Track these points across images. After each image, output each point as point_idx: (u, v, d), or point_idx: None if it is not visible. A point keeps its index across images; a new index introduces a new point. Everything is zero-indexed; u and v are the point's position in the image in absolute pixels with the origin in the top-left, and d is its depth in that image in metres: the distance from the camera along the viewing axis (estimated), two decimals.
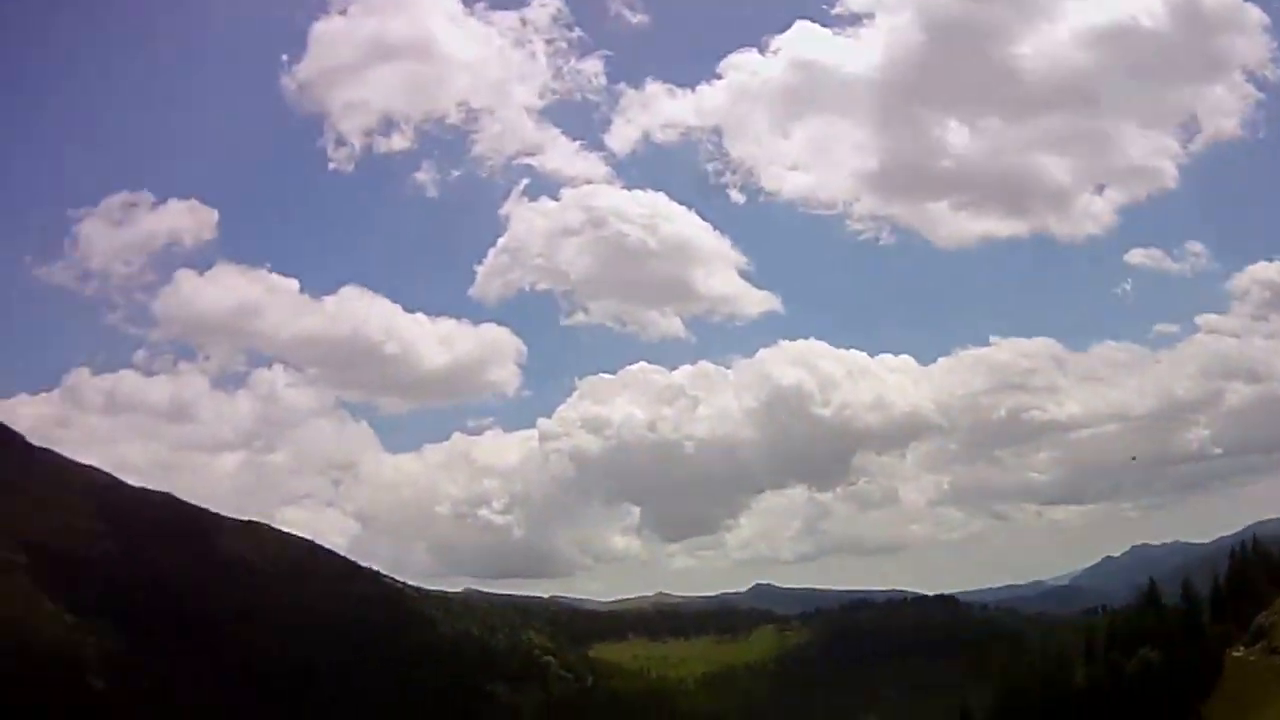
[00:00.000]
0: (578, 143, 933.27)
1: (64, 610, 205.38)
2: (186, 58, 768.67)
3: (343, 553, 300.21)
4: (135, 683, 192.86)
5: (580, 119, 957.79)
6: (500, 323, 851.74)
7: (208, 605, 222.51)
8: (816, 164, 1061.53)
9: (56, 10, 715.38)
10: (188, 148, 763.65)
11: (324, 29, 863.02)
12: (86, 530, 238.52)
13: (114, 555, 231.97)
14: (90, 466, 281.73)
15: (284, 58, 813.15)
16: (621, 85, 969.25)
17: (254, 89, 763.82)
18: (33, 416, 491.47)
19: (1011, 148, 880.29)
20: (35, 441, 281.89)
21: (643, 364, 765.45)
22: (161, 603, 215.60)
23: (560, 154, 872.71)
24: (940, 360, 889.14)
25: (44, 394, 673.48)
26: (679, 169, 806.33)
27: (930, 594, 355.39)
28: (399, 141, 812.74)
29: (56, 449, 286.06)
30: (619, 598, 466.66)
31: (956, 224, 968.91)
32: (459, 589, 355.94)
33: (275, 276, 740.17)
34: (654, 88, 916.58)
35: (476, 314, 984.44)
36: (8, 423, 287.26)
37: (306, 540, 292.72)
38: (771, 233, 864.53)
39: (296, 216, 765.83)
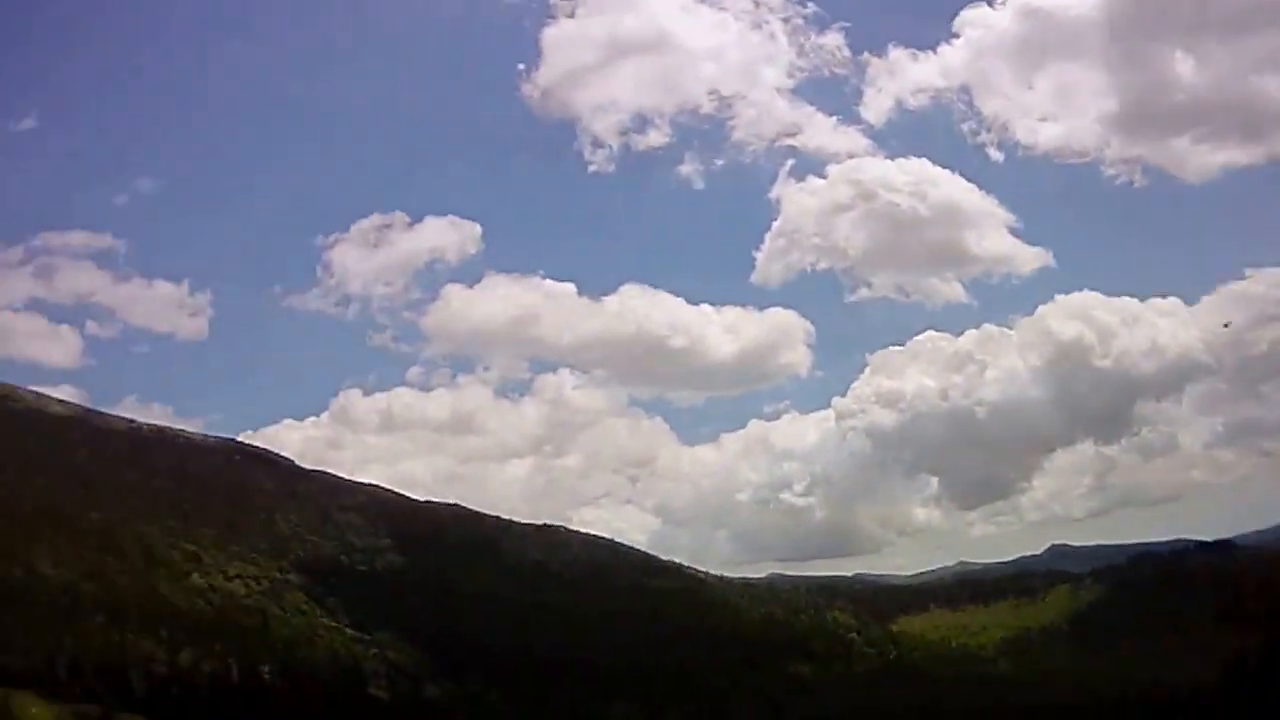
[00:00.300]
0: (834, 118, 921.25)
1: (345, 625, 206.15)
2: (421, 80, 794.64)
3: (643, 549, 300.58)
4: (419, 694, 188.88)
5: (832, 93, 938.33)
6: (786, 306, 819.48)
7: (498, 611, 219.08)
8: (1062, 112, 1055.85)
9: (290, 45, 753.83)
10: (438, 167, 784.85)
11: (555, 34, 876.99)
12: (367, 546, 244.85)
13: (398, 568, 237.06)
14: (370, 484, 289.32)
15: (520, 67, 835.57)
16: (865, 55, 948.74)
17: (495, 101, 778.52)
18: (301, 441, 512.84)
19: (1236, 72, 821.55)
20: (306, 465, 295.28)
21: (930, 332, 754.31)
22: (448, 612, 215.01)
23: (819, 131, 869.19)
24: (1203, 299, 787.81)
25: (311, 419, 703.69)
26: (935, 132, 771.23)
27: (1209, 539, 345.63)
28: (656, 137, 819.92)
29: (331, 470, 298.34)
30: (921, 570, 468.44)
31: (1199, 157, 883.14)
32: (763, 574, 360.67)
33: (549, 282, 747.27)
34: (896, 53, 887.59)
35: (760, 299, 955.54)
36: (275, 448, 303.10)
37: (605, 539, 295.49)
38: (1033, 187, 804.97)
39: (563, 221, 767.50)
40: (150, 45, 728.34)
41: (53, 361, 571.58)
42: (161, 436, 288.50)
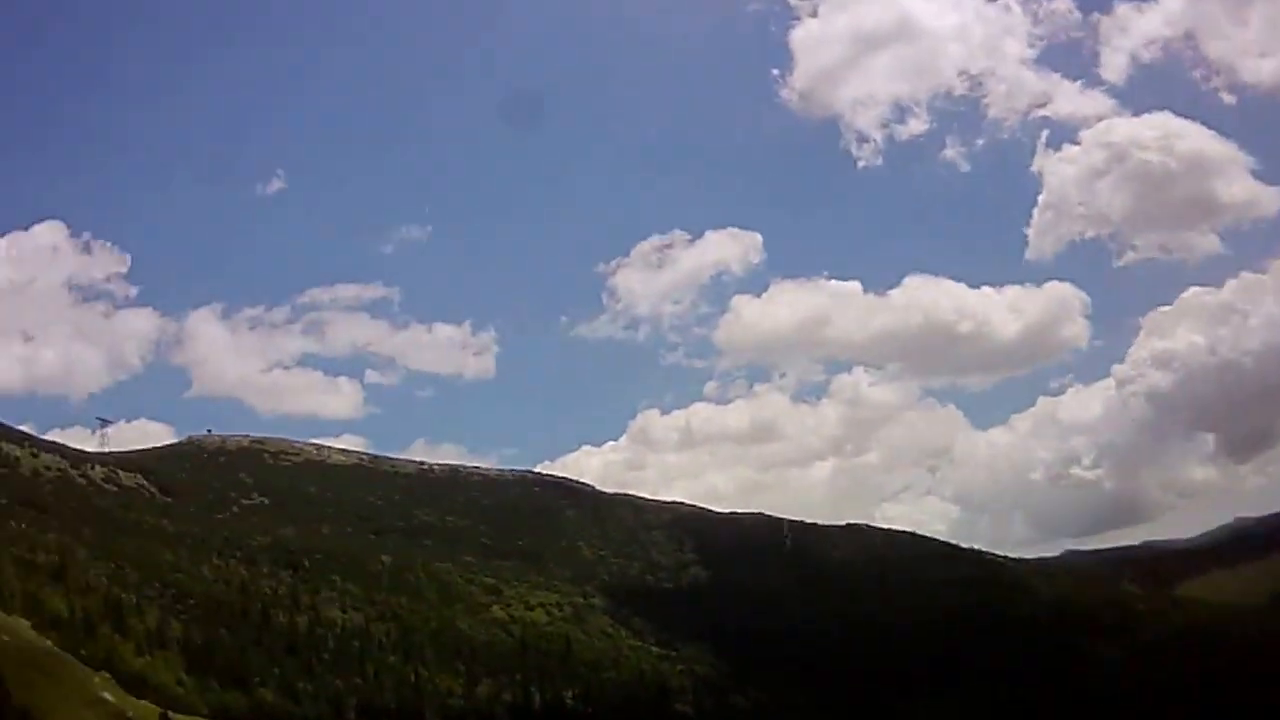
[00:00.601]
0: (1078, 82, 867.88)
1: (650, 644, 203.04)
2: (681, 96, 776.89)
3: (944, 538, 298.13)
4: (726, 704, 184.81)
5: (1071, 58, 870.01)
6: (1060, 279, 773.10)
7: (804, 614, 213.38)
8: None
9: (544, 80, 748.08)
10: (710, 181, 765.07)
11: (803, 35, 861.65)
12: (672, 563, 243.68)
13: (703, 581, 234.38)
14: (674, 502, 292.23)
15: (775, 72, 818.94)
16: (1094, 15, 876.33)
17: (756, 109, 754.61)
18: (601, 466, 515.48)
19: None
20: (607, 489, 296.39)
21: (1193, 288, 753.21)
22: (755, 620, 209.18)
23: (1066, 97, 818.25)
24: None
25: (610, 443, 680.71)
26: (1170, 83, 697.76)
27: None
28: (916, 125, 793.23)
29: (633, 492, 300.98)
30: (1201, 530, 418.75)
31: None
32: (1057, 552, 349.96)
33: (835, 283, 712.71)
34: (1122, 8, 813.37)
35: (1036, 275, 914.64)
36: (575, 476, 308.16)
37: (907, 533, 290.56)
38: (1267, 127, 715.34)
39: (839, 220, 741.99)
40: (389, 96, 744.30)
41: (334, 414, 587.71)
42: (454, 475, 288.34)
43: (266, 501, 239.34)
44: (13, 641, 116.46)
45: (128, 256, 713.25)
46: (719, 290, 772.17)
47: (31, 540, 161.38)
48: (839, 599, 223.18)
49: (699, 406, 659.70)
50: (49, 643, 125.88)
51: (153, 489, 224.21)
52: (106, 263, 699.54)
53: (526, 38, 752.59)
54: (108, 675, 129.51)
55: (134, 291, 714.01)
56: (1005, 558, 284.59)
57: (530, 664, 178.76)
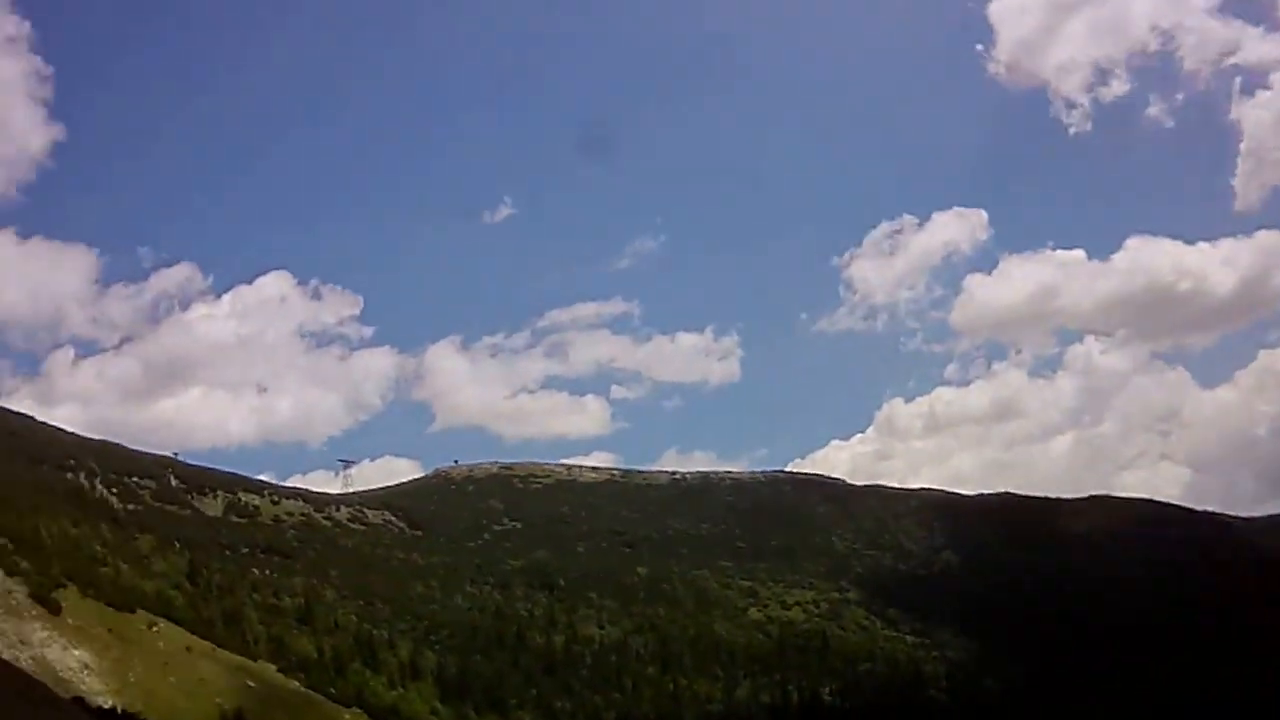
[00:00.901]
0: (1260, 26, 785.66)
1: (905, 633, 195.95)
2: (890, 77, 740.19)
3: (1178, 502, 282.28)
4: (978, 687, 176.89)
5: (1250, 4, 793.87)
6: (1269, 227, 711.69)
7: (1051, 591, 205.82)
8: None
9: (749, 86, 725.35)
10: (931, 165, 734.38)
11: (1000, 7, 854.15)
12: (923, 550, 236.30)
13: (955, 566, 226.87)
14: (922, 489, 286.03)
15: (979, 47, 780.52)
16: None
17: (967, 86, 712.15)
18: (850, 459, 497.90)
19: None
20: (857, 482, 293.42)
21: None
22: (1005, 601, 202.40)
23: (1252, 43, 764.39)
24: None
25: (857, 436, 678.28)
26: None
27: None
28: (1118, 86, 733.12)
29: (882, 482, 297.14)
30: None
31: None
32: None
33: (1059, 253, 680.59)
34: None
35: (1246, 226, 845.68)
36: (825, 472, 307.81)
37: (1144, 500, 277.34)
38: None
39: (1059, 188, 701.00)
40: (604, 108, 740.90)
41: (582, 432, 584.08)
42: (706, 481, 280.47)
43: (519, 525, 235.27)
44: (258, 686, 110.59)
45: (360, 298, 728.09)
46: (951, 271, 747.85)
47: (275, 585, 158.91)
48: (1084, 573, 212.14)
49: (941, 390, 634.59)
50: (296, 684, 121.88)
51: (401, 524, 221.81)
52: (338, 306, 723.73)
53: (732, 37, 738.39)
54: (359, 711, 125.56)
55: (369, 332, 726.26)
56: (1235, 517, 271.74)
57: (789, 663, 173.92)
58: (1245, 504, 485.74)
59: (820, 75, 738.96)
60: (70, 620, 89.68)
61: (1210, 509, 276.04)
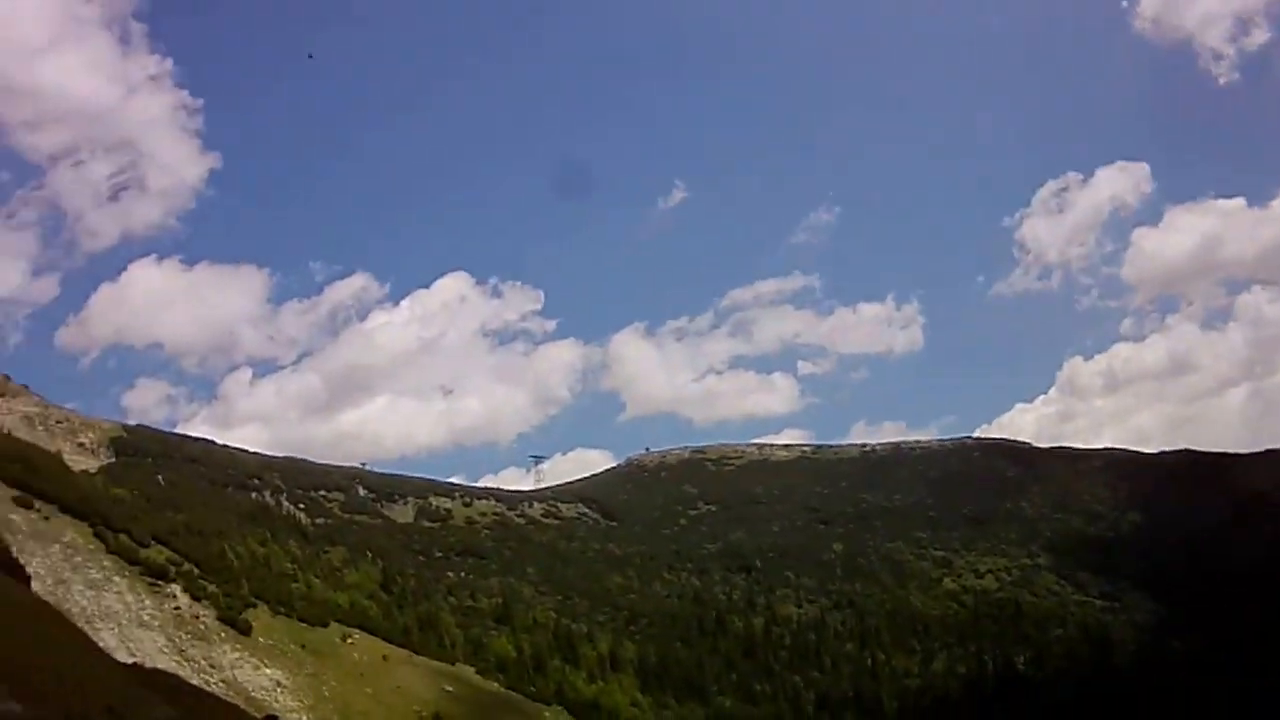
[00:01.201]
0: None
1: (1094, 597, 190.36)
2: (1040, 40, 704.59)
3: None
4: (1164, 649, 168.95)
5: None
6: None
7: (1234, 549, 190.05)
8: None
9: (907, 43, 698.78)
10: (1086, 123, 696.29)
11: None
12: (1109, 512, 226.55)
13: (1140, 526, 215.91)
14: (1104, 449, 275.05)
15: (1123, 3, 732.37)
16: None
17: (1114, 41, 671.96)
18: (1034, 422, 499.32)
19: None
20: (1042, 444, 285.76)
21: None
22: (1188, 561, 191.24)
23: None
24: None
25: (1040, 398, 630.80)
26: None
27: None
28: (1258, 35, 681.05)
29: (1067, 443, 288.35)
30: None
31: None
32: None
33: (1220, 202, 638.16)
34: None
35: None
36: (1010, 435, 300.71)
37: None
38: None
39: (1216, 140, 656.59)
40: (770, 87, 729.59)
41: (771, 411, 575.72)
42: (896, 452, 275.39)
43: (713, 509, 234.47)
44: (457, 690, 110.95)
45: (540, 293, 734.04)
46: (1118, 225, 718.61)
47: (471, 586, 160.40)
48: (1265, 529, 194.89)
49: (1119, 347, 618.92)
50: (495, 685, 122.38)
51: (595, 515, 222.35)
52: (519, 302, 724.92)
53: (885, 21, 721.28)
54: (560, 708, 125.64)
55: (551, 325, 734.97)
56: None
57: (983, 632, 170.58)
58: None
59: (974, 43, 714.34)
60: (261, 639, 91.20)
61: None
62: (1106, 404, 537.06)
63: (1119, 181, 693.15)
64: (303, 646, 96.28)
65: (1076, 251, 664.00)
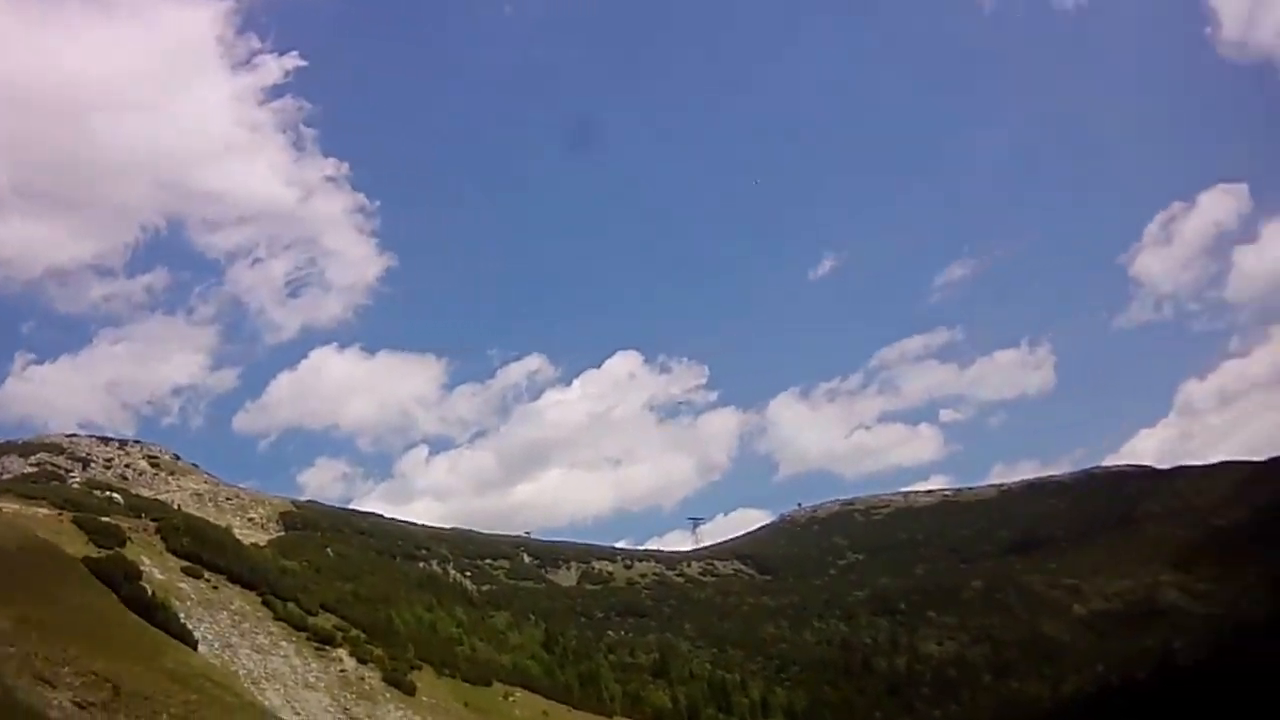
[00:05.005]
0: None
1: (1216, 608, 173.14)
2: (1123, 76, 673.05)
3: None
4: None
5: None
6: None
7: None
8: None
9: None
10: (1185, 147, 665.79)
11: None
12: (1228, 524, 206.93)
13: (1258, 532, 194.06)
14: (1222, 463, 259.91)
15: (1206, 31, 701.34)
16: None
17: (1199, 68, 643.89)
18: (1156, 446, 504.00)
19: None
20: (1162, 466, 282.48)
21: None
22: None
23: None
24: None
25: (1161, 421, 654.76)
26: None
27: None
28: None
29: (1187, 463, 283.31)
30: None
31: None
32: None
33: None
34: None
35: None
36: (1134, 461, 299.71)
37: None
38: None
39: None
40: (904, 140, 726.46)
41: (916, 460, 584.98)
42: (1030, 489, 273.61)
43: (861, 557, 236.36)
44: None
45: (705, 367, 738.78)
46: (1220, 247, 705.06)
47: (631, 644, 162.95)
48: None
49: (1228, 364, 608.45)
50: None
51: (750, 571, 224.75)
52: (685, 378, 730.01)
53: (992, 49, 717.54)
54: None
55: (713, 396, 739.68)
56: None
57: (1109, 652, 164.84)
58: None
59: (1067, 84, 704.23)
60: (425, 699, 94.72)
61: None
62: (1221, 420, 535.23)
63: (1221, 204, 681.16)
64: (465, 705, 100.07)
65: (1185, 277, 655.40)
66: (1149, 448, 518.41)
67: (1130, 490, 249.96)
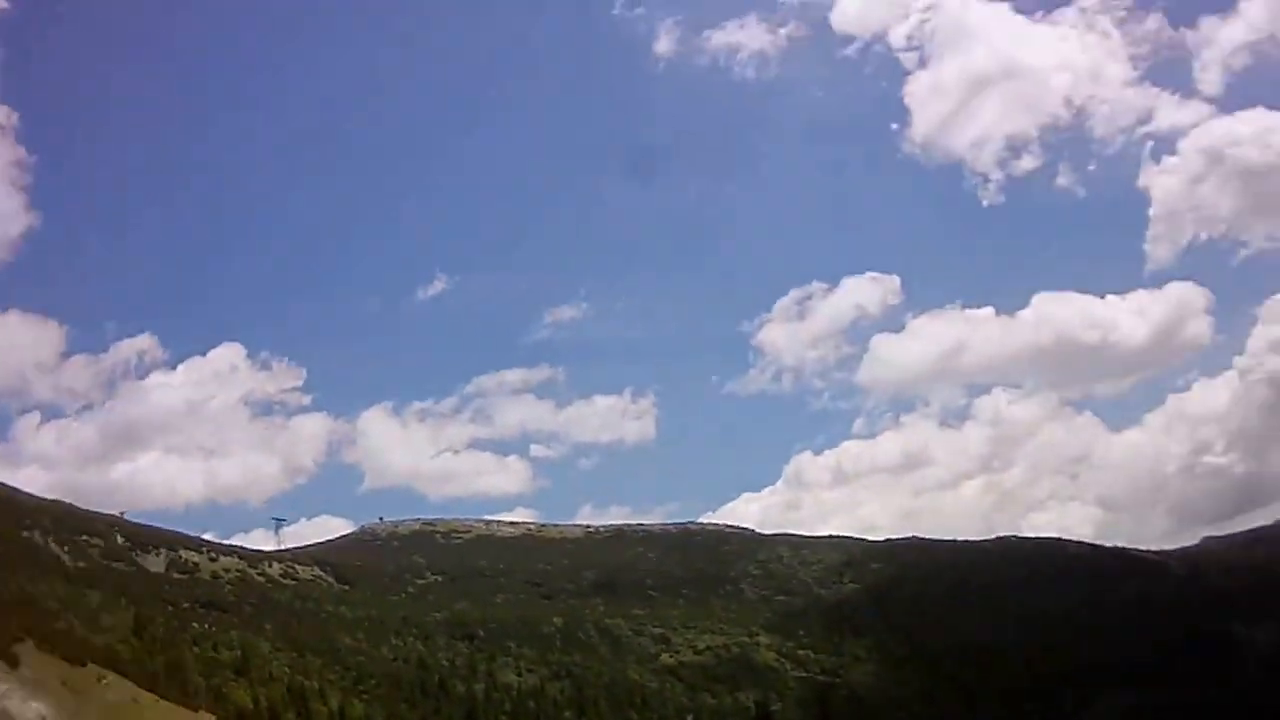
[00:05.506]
0: (1176, 95, 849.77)
1: (815, 674, 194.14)
2: (806, 158, 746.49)
3: (1090, 540, 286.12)
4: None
5: (1167, 73, 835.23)
6: (1181, 279, 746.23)
7: (960, 626, 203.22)
8: None
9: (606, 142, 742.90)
10: (844, 233, 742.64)
11: (915, 88, 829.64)
12: (832, 594, 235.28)
13: (863, 606, 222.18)
14: (829, 536, 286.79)
15: (894, 126, 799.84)
16: (1182, 30, 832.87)
17: (882, 164, 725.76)
18: (760, 510, 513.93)
19: None
20: (765, 530, 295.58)
21: None
22: (915, 634, 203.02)
23: (1165, 110, 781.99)
24: None
25: (767, 489, 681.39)
26: (1263, 83, 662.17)
27: None
28: (1029, 160, 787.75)
29: (790, 531, 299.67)
30: None
31: None
32: (1196, 540, 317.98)
33: (968, 311, 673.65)
34: (1207, 20, 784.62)
35: (1158, 283, 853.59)
36: (736, 522, 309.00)
37: (1053, 539, 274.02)
38: None
39: (969, 254, 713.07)
40: (525, 180, 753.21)
41: (503, 491, 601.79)
42: (619, 534, 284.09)
43: (440, 579, 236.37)
44: None
45: (303, 370, 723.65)
46: (858, 332, 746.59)
47: (214, 639, 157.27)
48: (994, 605, 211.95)
49: (848, 444, 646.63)
50: None
51: (329, 579, 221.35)
52: (283, 377, 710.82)
53: (650, 113, 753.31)
54: None
55: (307, 400, 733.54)
56: (1147, 550, 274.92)
57: (700, 706, 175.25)
58: (1157, 539, 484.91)
59: (743, 153, 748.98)
60: (28, 673, 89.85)
61: (1121, 544, 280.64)
62: (834, 495, 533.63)
63: (866, 291, 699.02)
64: (64, 684, 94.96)
65: (813, 354, 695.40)
66: (751, 511, 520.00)
67: (730, 550, 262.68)
